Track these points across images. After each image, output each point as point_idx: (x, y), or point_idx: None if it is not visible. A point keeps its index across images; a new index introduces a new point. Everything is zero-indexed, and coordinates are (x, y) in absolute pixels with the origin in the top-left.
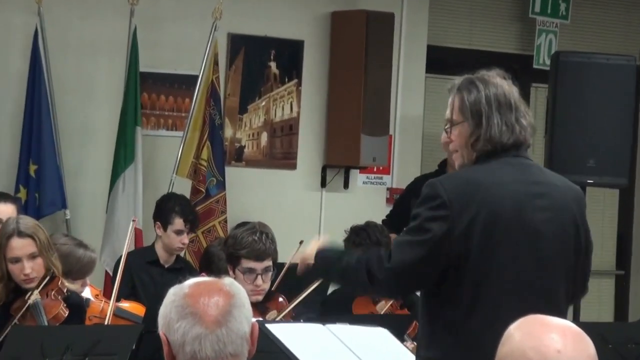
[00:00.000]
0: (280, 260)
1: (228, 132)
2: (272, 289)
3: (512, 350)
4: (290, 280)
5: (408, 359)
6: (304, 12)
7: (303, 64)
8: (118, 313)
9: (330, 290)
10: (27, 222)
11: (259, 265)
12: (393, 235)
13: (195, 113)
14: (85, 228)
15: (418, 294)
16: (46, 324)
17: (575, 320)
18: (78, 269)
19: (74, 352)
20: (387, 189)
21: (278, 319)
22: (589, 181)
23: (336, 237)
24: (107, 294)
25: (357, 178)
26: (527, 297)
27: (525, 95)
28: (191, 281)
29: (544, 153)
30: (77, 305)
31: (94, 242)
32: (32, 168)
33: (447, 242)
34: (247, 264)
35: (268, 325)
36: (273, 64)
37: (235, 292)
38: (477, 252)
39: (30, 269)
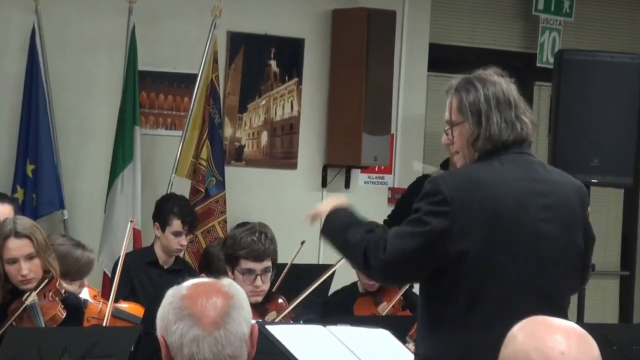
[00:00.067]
0: (280, 260)
1: (228, 131)
2: (273, 290)
3: (515, 352)
4: (290, 282)
5: None
6: (304, 9)
7: (303, 62)
8: (116, 314)
9: (331, 291)
10: (24, 222)
11: (258, 266)
12: None
13: (195, 112)
14: (83, 228)
15: (418, 294)
16: (43, 325)
17: (579, 321)
18: (76, 270)
19: (71, 354)
20: (389, 188)
21: (277, 320)
22: (593, 181)
23: None
24: (105, 295)
25: (359, 178)
26: (527, 297)
27: (528, 93)
28: (189, 282)
29: (547, 152)
30: (75, 307)
31: (92, 243)
32: (30, 168)
33: (446, 237)
34: (246, 264)
35: (268, 327)
36: (273, 62)
37: (234, 293)
38: (477, 251)
39: (28, 269)
